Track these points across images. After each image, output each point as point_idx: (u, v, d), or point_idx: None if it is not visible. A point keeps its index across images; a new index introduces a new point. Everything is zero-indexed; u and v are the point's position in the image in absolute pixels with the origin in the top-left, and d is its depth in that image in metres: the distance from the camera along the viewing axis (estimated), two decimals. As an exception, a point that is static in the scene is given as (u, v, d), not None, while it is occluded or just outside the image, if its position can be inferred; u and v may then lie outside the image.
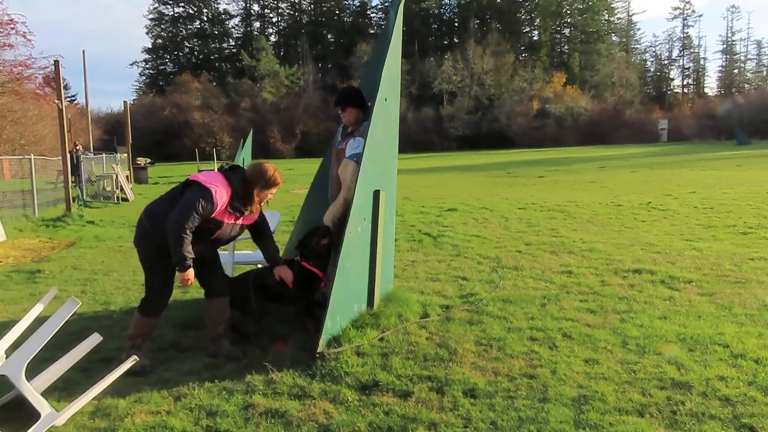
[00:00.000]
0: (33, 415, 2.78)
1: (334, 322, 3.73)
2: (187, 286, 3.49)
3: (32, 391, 2.75)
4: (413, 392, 3.07)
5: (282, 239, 7.30)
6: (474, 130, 65.42)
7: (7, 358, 2.91)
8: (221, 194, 3.36)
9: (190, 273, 3.38)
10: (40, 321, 3.11)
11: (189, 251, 3.34)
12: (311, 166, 35.67)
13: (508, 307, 4.54)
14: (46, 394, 3.12)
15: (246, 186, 3.48)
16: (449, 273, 5.82)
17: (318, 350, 3.51)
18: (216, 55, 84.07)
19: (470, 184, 18.00)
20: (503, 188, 15.89)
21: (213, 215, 3.37)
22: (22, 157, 12.71)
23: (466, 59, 67.72)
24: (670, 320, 4.10)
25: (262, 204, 3.66)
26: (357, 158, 4.14)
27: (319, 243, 4.06)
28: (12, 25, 21.81)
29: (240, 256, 5.22)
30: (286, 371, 3.37)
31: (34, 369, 3.20)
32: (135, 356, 3.11)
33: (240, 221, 3.57)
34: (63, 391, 3.21)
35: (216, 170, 3.56)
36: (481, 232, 8.33)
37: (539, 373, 3.26)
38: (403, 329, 4.01)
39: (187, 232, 3.30)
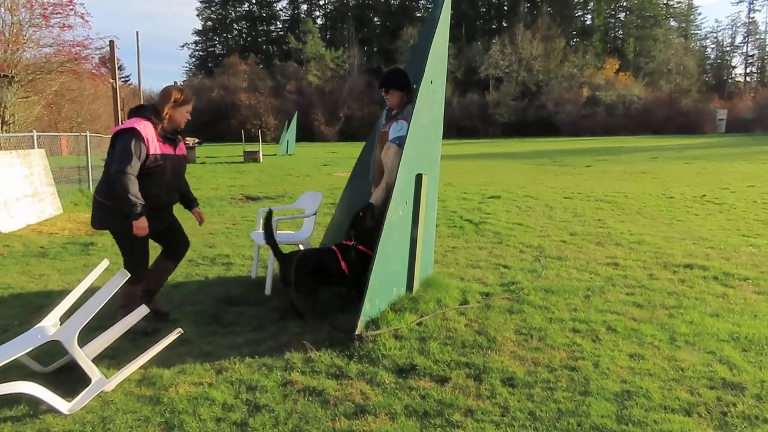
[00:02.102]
0: (84, 380, 2.91)
1: (372, 304, 3.73)
2: (142, 235, 3.55)
3: (84, 357, 2.87)
4: (450, 378, 3.05)
5: (323, 221, 7.36)
6: (520, 116, 64.07)
7: (61, 324, 3.04)
8: (145, 126, 3.49)
9: (143, 221, 3.49)
10: (91, 291, 3.24)
11: (137, 195, 3.43)
12: (354, 150, 35.72)
13: (550, 297, 4.45)
14: (97, 360, 3.25)
15: (158, 112, 3.59)
16: (490, 260, 5.74)
17: (356, 332, 3.53)
18: (263, 38, 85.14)
19: (514, 171, 17.67)
20: (548, 177, 15.53)
21: (151, 151, 3.50)
22: (78, 134, 13.23)
23: (515, 44, 66.14)
24: (722, 318, 3.92)
25: (182, 125, 3.75)
26: (400, 141, 4.10)
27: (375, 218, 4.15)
28: (71, 7, 22.57)
29: (283, 236, 5.27)
30: (324, 351, 3.40)
31: (85, 337, 3.35)
32: (180, 329, 3.19)
33: (178, 151, 3.73)
34: (112, 359, 3.34)
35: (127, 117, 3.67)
36: (524, 220, 8.17)
37: (581, 365, 3.18)
38: (442, 315, 3.98)
39: (130, 175, 3.39)
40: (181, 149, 3.84)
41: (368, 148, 5.07)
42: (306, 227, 5.30)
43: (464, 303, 4.28)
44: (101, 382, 2.88)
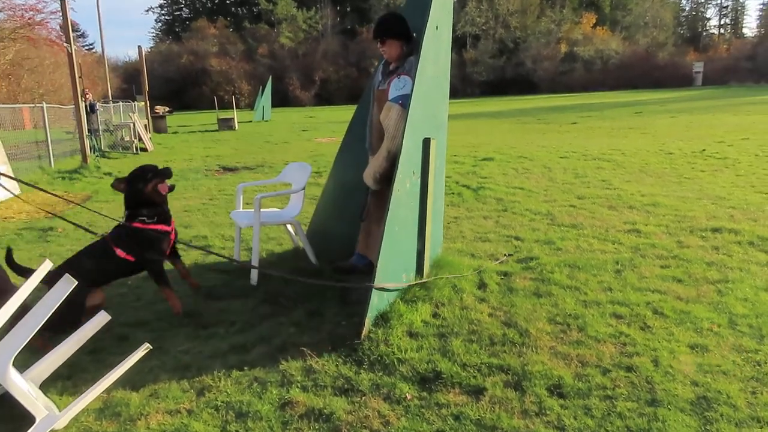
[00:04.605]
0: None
1: (381, 296, 3.16)
2: None
3: (22, 390, 2.24)
4: (485, 388, 2.50)
5: (314, 192, 6.72)
6: (498, 75, 63.15)
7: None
8: None
9: None
10: (35, 299, 2.59)
11: None
12: (332, 114, 34.61)
13: (577, 274, 3.92)
14: (48, 383, 2.64)
15: None
16: (499, 231, 5.19)
17: (363, 331, 2.96)
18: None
19: (500, 131, 17.05)
20: (536, 135, 14.96)
21: None
22: (33, 105, 12.18)
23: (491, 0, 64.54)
24: (778, 293, 3.44)
25: None
26: (403, 101, 3.48)
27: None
28: (20, -33, 20.89)
29: (267, 214, 4.61)
30: (328, 357, 2.83)
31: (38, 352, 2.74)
32: (148, 345, 2.58)
33: None
34: (67, 379, 2.72)
35: None
36: (525, 183, 7.62)
37: (637, 363, 2.66)
38: (460, 303, 3.43)
39: None
40: None
41: (362, 109, 4.39)
42: (294, 203, 4.65)
43: (482, 286, 3.73)
44: (50, 419, 2.27)
